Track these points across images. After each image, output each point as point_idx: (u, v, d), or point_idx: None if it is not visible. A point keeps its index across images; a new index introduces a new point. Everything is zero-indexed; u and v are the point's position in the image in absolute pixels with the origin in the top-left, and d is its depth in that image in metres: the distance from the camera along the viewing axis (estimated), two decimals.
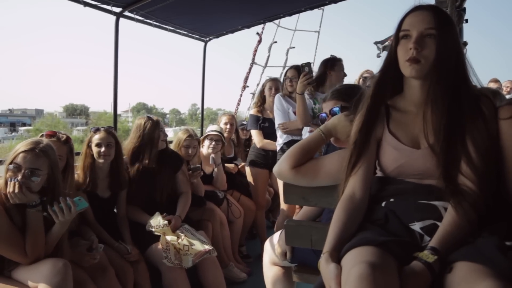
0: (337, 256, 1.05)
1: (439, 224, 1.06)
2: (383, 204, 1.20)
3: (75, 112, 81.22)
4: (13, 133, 47.42)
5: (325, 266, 1.03)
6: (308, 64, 2.70)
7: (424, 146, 1.15)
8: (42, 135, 2.13)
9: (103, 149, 2.34)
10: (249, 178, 3.57)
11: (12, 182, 1.68)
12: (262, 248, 3.48)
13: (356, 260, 0.93)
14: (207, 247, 2.34)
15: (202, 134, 3.79)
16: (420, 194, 1.14)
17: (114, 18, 3.68)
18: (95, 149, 2.35)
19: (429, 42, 1.13)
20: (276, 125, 3.21)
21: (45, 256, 1.79)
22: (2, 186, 1.74)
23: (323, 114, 1.66)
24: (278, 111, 3.19)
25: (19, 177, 1.69)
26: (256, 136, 3.57)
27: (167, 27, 4.27)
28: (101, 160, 2.36)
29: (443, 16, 1.17)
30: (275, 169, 1.46)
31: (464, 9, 3.23)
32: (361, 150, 1.22)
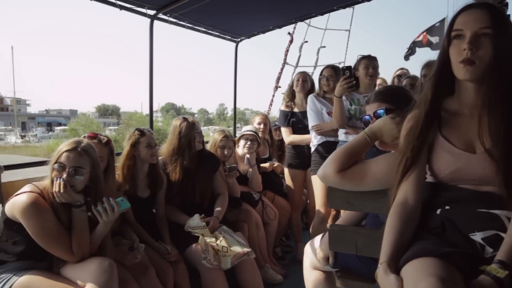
0: (395, 267, 1.02)
1: (503, 235, 1.01)
2: (438, 211, 1.15)
3: (107, 112, 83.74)
4: (50, 133, 49.38)
5: (384, 278, 1.00)
6: (349, 68, 2.65)
7: (480, 150, 1.10)
8: (84, 137, 2.18)
9: (154, 150, 2.44)
10: (287, 180, 3.56)
11: (58, 181, 1.74)
12: (297, 250, 3.50)
13: (421, 273, 0.89)
14: (246, 249, 2.35)
15: (234, 134, 3.80)
16: (479, 202, 1.09)
17: (148, 20, 3.76)
18: (145, 151, 2.42)
19: (485, 42, 1.08)
20: (310, 126, 3.17)
21: (90, 255, 1.84)
22: (48, 185, 1.80)
23: (367, 117, 1.62)
24: (312, 111, 3.15)
25: (64, 176, 1.75)
26: (284, 133, 3.58)
27: (199, 28, 4.31)
28: (152, 161, 2.45)
29: (498, 13, 1.11)
30: (320, 173, 1.43)
31: (507, 4, 3.08)
32: (416, 156, 1.17)
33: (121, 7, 3.45)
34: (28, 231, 1.71)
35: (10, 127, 47.36)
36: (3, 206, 1.88)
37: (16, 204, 1.71)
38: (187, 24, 4.14)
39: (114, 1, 3.35)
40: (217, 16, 4.15)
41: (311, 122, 3.16)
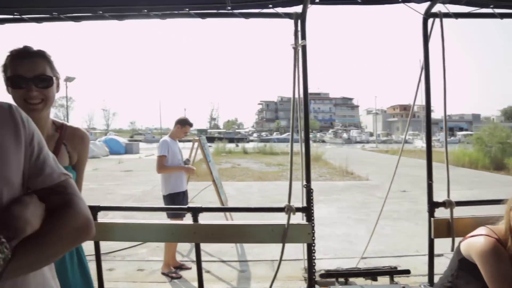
0: None
1: None
2: None
3: None
4: (452, 138, 50.14)
5: None
6: None
7: None
8: None
9: None
10: None
11: None
12: None
13: None
14: None
15: None
16: None
17: None
18: None
19: None
20: None
21: None
22: (504, 231, 1.73)
23: None
24: None
25: None
26: None
27: None
28: None
29: None
30: None
31: None
32: None
33: None
34: (483, 276, 1.69)
35: (416, 132, 51.80)
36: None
37: (473, 246, 1.74)
38: None
39: None
40: None
41: None
